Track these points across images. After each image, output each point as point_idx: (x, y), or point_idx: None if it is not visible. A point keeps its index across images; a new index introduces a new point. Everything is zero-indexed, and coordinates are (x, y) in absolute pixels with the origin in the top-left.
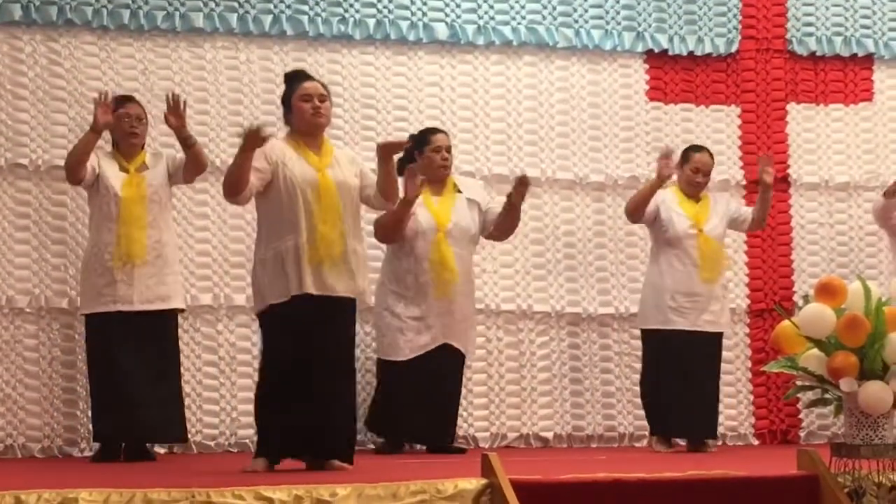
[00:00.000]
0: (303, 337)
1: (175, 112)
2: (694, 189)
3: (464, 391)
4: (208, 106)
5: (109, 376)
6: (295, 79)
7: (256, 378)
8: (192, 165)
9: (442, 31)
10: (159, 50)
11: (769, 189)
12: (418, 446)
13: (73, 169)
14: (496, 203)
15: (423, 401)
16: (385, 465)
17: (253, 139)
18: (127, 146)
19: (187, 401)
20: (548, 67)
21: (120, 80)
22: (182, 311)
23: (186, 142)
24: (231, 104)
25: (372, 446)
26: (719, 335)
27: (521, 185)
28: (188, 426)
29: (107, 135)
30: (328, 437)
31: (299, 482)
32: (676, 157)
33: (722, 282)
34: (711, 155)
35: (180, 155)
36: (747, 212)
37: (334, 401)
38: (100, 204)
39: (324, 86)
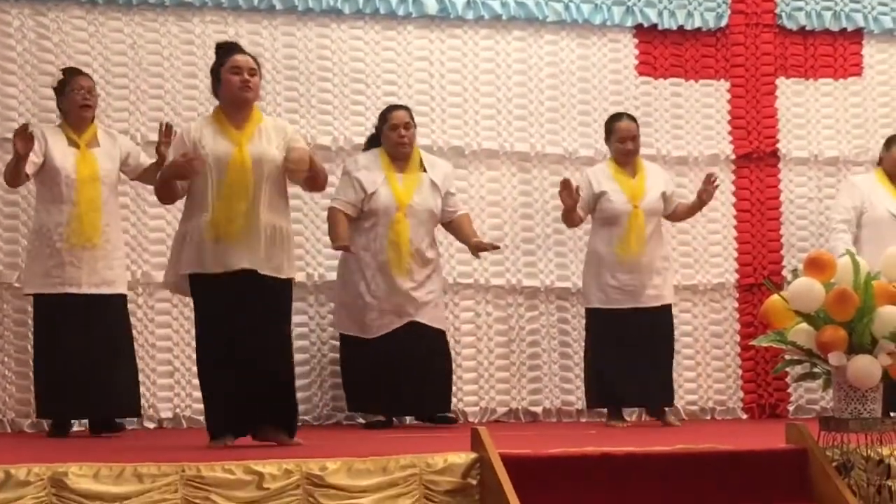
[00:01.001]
0: (220, 314)
1: (168, 141)
2: (627, 157)
3: (453, 366)
4: (197, 80)
5: (58, 356)
6: (226, 51)
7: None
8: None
9: (431, 6)
10: (148, 24)
11: (704, 205)
12: (408, 419)
13: (10, 184)
14: (456, 194)
15: (401, 376)
16: (375, 439)
17: (186, 170)
18: (78, 119)
19: (176, 375)
20: (537, 42)
21: (108, 54)
22: (124, 296)
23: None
24: None
25: (362, 421)
26: (664, 307)
27: (481, 250)
28: (177, 401)
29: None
30: (259, 413)
31: (289, 456)
32: (576, 182)
33: (661, 254)
34: (634, 119)
35: (144, 158)
36: (673, 203)
37: (261, 379)
38: (49, 184)
39: (255, 60)
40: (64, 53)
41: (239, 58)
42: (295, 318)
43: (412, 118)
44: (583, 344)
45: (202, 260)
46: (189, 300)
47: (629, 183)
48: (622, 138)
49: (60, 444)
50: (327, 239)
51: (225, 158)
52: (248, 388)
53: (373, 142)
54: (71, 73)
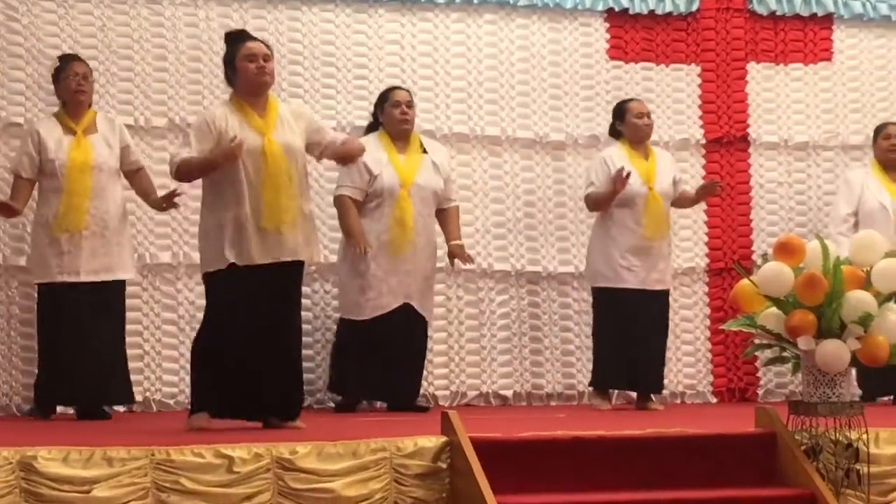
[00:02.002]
0: (246, 303)
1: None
2: (644, 133)
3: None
4: (167, 63)
5: (57, 344)
6: (237, 39)
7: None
8: (145, 196)
9: None
10: (117, 7)
11: (702, 200)
12: (379, 404)
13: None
14: (454, 182)
15: (387, 360)
16: (345, 423)
17: (229, 157)
18: (75, 105)
19: (146, 359)
20: (508, 26)
21: (78, 36)
22: (123, 282)
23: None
24: (190, 62)
25: (332, 405)
26: (665, 292)
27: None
28: (147, 384)
29: (50, 98)
30: (271, 398)
31: (259, 440)
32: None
33: (668, 240)
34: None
35: (139, 157)
36: (679, 189)
37: (278, 363)
38: (47, 175)
39: (267, 46)
40: (33, 36)
41: (252, 45)
42: None
43: (412, 100)
44: (553, 328)
45: (246, 252)
46: (148, 284)
47: (643, 165)
48: (639, 114)
49: (29, 427)
50: (332, 223)
51: (257, 149)
52: (267, 375)
53: (371, 129)
54: (66, 60)
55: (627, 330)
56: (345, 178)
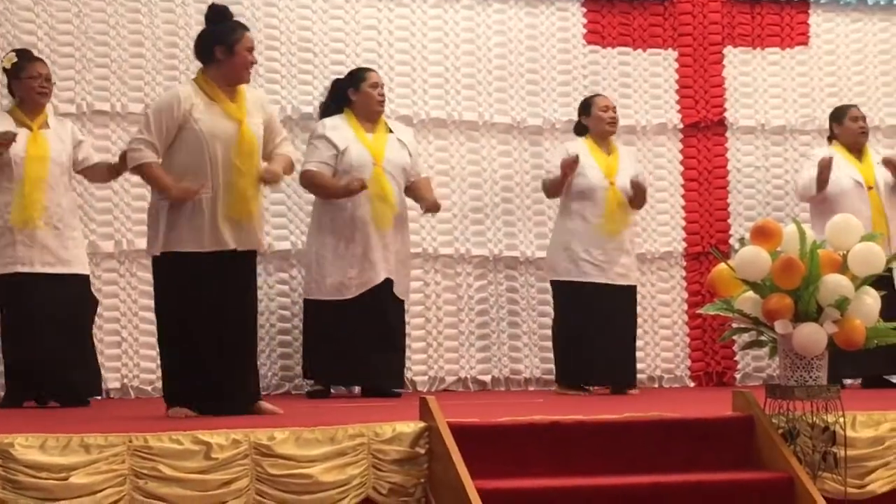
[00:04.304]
0: (201, 290)
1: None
2: (610, 128)
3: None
4: (144, 49)
5: (9, 337)
6: (240, 25)
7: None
8: (108, 176)
9: None
10: None
11: (639, 187)
12: (356, 389)
13: None
14: (419, 159)
15: (366, 343)
16: (323, 409)
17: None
18: (33, 105)
19: (124, 346)
20: (485, 11)
21: (54, 22)
22: (86, 276)
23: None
24: (167, 48)
25: (308, 388)
26: (631, 288)
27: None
28: (125, 371)
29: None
30: (226, 391)
31: (237, 426)
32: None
33: (629, 235)
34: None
35: (93, 153)
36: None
37: (235, 355)
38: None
39: None
40: (8, 21)
41: (251, 36)
42: None
43: None
44: (531, 313)
45: (201, 239)
46: (125, 270)
47: (605, 160)
48: (605, 107)
49: (6, 415)
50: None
51: (230, 134)
52: (225, 362)
53: (328, 109)
54: (27, 59)
55: (591, 324)
56: (310, 156)
